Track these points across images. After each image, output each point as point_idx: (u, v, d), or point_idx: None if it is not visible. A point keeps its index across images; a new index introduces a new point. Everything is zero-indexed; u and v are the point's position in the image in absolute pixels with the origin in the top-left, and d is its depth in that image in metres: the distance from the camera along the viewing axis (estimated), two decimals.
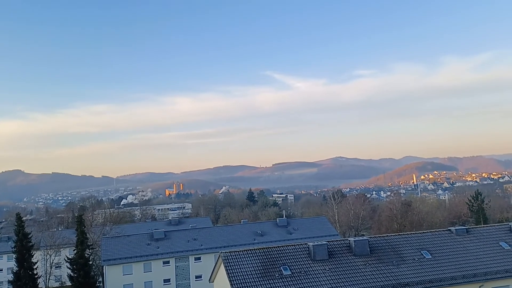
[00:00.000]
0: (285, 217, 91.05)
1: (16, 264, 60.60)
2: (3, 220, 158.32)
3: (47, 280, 75.09)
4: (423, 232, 42.31)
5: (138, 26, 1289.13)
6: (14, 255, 62.28)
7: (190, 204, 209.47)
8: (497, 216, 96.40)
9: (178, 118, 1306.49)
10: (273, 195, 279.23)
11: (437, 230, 44.83)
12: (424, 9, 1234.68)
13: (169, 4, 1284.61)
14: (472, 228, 43.78)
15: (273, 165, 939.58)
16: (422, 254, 37.32)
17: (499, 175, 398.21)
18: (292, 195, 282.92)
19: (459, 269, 36.02)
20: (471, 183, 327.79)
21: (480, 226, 51.90)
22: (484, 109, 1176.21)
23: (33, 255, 61.67)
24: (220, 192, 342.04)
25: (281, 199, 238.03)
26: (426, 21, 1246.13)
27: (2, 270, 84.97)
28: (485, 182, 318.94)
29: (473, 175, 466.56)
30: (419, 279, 34.42)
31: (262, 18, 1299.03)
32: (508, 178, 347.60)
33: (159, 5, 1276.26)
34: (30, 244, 61.52)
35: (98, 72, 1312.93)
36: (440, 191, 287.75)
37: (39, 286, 63.82)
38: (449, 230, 41.96)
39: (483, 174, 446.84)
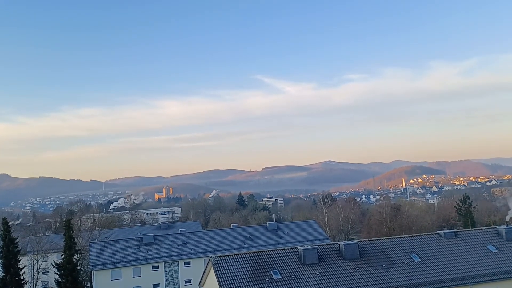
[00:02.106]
0: (275, 221, 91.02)
1: (2, 270, 59.58)
2: None
3: (34, 286, 73.90)
4: (412, 236, 42.61)
5: (125, 28, 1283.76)
6: (0, 261, 61.32)
7: (180, 208, 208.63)
8: (484, 220, 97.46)
9: (167, 122, 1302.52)
10: (263, 199, 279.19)
11: (426, 233, 45.17)
12: (413, 15, 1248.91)
13: (158, 7, 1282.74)
14: (460, 231, 44.15)
15: (263, 169, 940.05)
16: (412, 258, 37.54)
17: (487, 179, 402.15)
18: (282, 199, 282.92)
19: (448, 272, 36.30)
20: (459, 187, 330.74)
21: (468, 229, 52.29)
22: (471, 113, 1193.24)
23: (19, 261, 60.66)
24: (210, 196, 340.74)
25: (271, 203, 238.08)
26: (415, 26, 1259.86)
27: None
28: (473, 186, 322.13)
29: (461, 179, 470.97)
30: (408, 283, 34.60)
31: (252, 22, 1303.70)
32: (495, 182, 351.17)
33: (147, 8, 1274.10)
34: (17, 249, 60.52)
35: (86, 75, 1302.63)
36: (428, 195, 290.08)
37: None
38: (438, 233, 42.31)
39: (471, 178, 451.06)
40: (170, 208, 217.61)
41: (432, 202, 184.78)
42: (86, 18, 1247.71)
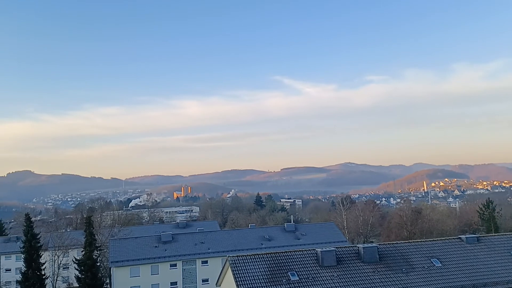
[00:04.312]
0: (293, 222, 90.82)
1: (24, 264, 60.92)
2: (13, 220, 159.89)
3: (55, 281, 75.40)
4: (433, 240, 41.75)
5: (147, 28, 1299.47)
6: (22, 255, 62.68)
7: (198, 208, 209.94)
8: (508, 225, 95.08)
9: (186, 122, 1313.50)
10: (281, 200, 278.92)
11: (448, 238, 44.23)
12: (435, 17, 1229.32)
13: (180, 8, 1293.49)
14: (483, 236, 43.10)
15: (281, 169, 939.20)
16: (432, 262, 36.80)
17: (511, 184, 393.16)
18: (300, 200, 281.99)
19: (469, 278, 35.43)
20: (482, 191, 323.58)
21: (491, 234, 51.11)
22: (495, 117, 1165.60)
23: (41, 256, 61.98)
24: (228, 196, 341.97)
25: (289, 204, 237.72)
26: (437, 28, 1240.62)
27: (10, 270, 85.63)
28: (497, 190, 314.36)
29: (484, 183, 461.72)
30: (428, 287, 33.95)
31: (273, 23, 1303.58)
32: None
33: (169, 8, 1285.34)
34: (39, 244, 61.85)
35: (107, 74, 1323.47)
36: (450, 199, 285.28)
37: (47, 287, 64.10)
38: (460, 238, 41.37)
39: (495, 182, 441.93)
40: (189, 207, 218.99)
41: (454, 206, 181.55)
42: (110, 17, 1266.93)
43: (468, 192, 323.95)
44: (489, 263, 37.37)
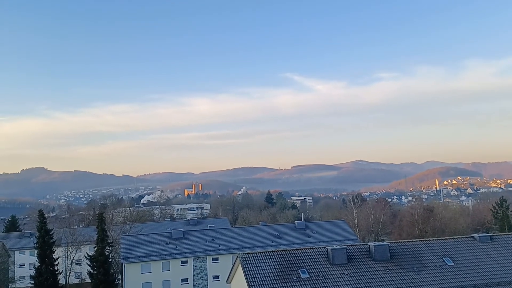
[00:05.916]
0: (304, 220, 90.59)
1: (38, 260, 61.73)
2: (26, 216, 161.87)
3: (68, 276, 76.27)
4: (445, 239, 41.43)
5: (157, 26, 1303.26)
6: (36, 251, 63.51)
7: (209, 205, 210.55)
8: None
9: (197, 119, 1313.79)
10: (292, 197, 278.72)
11: (460, 236, 43.83)
12: (447, 13, 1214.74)
13: (191, 6, 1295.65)
14: (497, 235, 42.64)
15: (292, 167, 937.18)
16: (444, 261, 36.50)
17: None
18: (311, 198, 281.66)
19: (482, 277, 35.09)
20: (495, 189, 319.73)
21: (505, 233, 50.49)
22: (509, 114, 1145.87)
23: (54, 252, 62.71)
24: (238, 193, 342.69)
25: (299, 201, 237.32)
26: (449, 24, 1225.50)
27: (24, 265, 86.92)
28: (510, 189, 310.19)
29: (498, 181, 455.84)
30: (440, 286, 33.64)
31: (283, 20, 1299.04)
32: None
33: (180, 6, 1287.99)
34: (52, 240, 62.58)
35: (118, 72, 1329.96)
36: (463, 197, 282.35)
37: (60, 282, 64.90)
38: (472, 237, 40.95)
39: (508, 181, 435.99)
40: (199, 204, 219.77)
41: (466, 204, 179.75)
42: (121, 14, 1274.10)
43: (481, 190, 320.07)
44: (503, 262, 36.95)
